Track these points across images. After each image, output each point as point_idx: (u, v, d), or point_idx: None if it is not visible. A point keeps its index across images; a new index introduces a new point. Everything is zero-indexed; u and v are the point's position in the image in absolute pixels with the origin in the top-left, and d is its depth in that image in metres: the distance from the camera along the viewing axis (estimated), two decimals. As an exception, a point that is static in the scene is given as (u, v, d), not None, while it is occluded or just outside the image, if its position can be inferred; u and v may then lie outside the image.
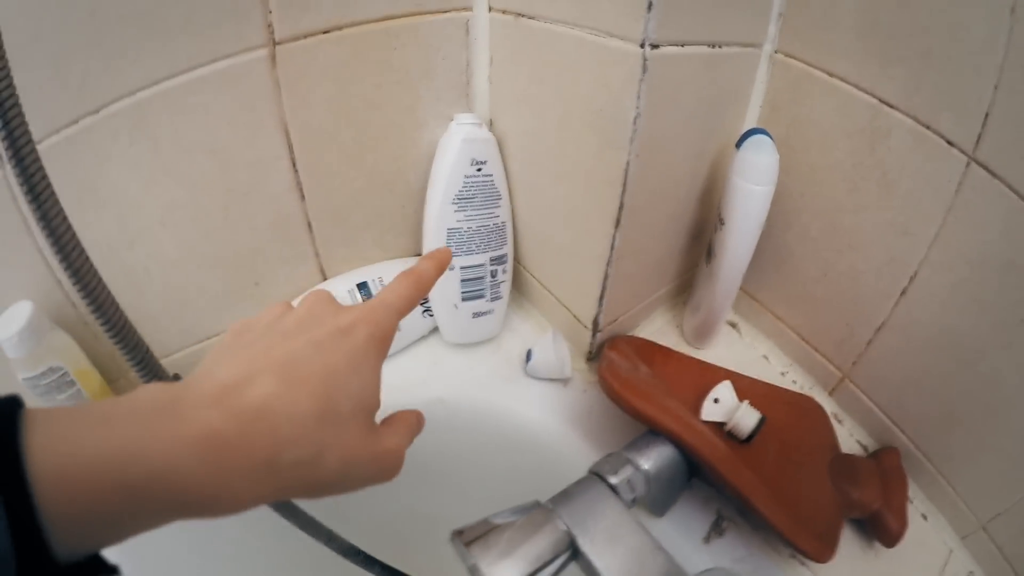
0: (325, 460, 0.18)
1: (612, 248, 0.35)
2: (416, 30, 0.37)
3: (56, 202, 0.21)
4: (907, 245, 0.38)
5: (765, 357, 0.46)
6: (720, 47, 0.35)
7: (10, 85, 0.20)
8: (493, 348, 0.41)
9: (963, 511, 0.42)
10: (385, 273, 0.39)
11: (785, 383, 0.45)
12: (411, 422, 0.23)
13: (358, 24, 0.35)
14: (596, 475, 0.31)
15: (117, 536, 0.14)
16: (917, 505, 0.43)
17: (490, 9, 0.38)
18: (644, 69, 0.30)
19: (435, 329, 0.41)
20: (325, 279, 0.41)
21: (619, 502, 0.30)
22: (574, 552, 0.28)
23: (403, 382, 0.39)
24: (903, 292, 0.39)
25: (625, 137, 0.32)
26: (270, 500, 0.17)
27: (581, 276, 0.37)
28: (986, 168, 0.32)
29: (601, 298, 0.37)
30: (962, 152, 0.33)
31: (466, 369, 0.40)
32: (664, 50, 0.30)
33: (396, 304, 0.22)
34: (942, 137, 0.34)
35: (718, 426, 0.38)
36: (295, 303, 0.22)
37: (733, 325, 0.48)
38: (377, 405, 0.20)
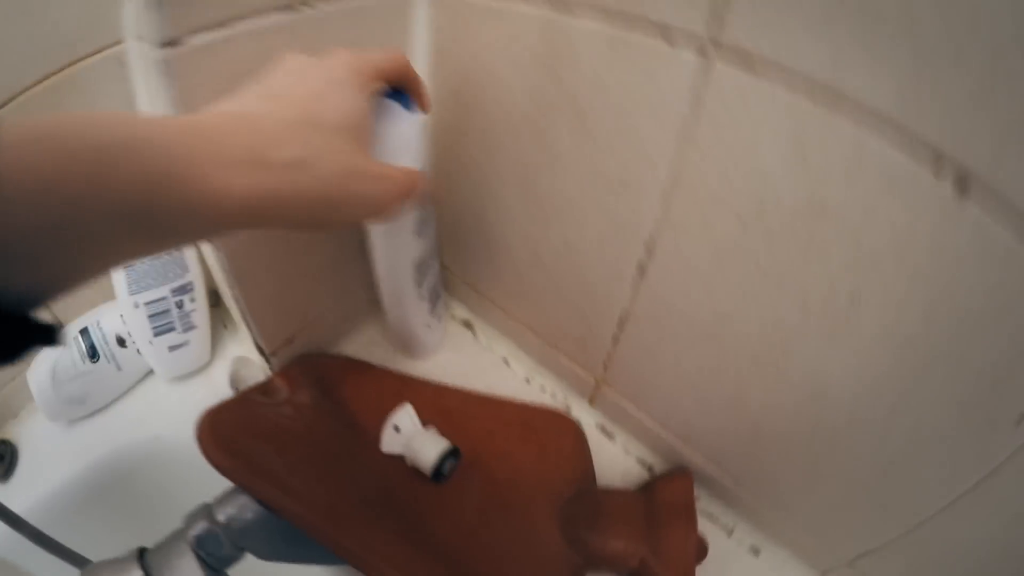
0: (319, 166, 0.18)
1: (225, 272, 0.31)
2: (74, 79, 0.37)
3: None
4: (630, 201, 0.28)
5: (505, 361, 0.37)
6: (312, 5, 0.29)
7: None
8: (205, 378, 0.40)
9: (810, 545, 0.30)
10: (103, 316, 0.40)
11: (532, 391, 0.36)
12: (413, 171, 0.23)
13: (27, 90, 0.37)
14: (182, 530, 0.28)
15: (76, 238, 0.13)
16: (740, 537, 0.32)
17: (139, 38, 0.36)
18: (165, 73, 0.26)
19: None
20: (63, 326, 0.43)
21: (196, 564, 0.27)
22: None
23: (127, 424, 0.40)
24: (640, 269, 0.29)
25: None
26: (268, 199, 0.17)
27: (230, 302, 0.34)
28: (737, 54, 0.21)
29: (246, 320, 0.33)
30: (692, 42, 0.22)
31: (179, 403, 0.39)
32: (192, 41, 0.26)
33: (375, 58, 0.22)
34: (655, 30, 0.23)
35: (401, 460, 0.32)
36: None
37: (467, 324, 0.39)
38: (366, 130, 0.21)
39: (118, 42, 0.36)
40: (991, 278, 0.18)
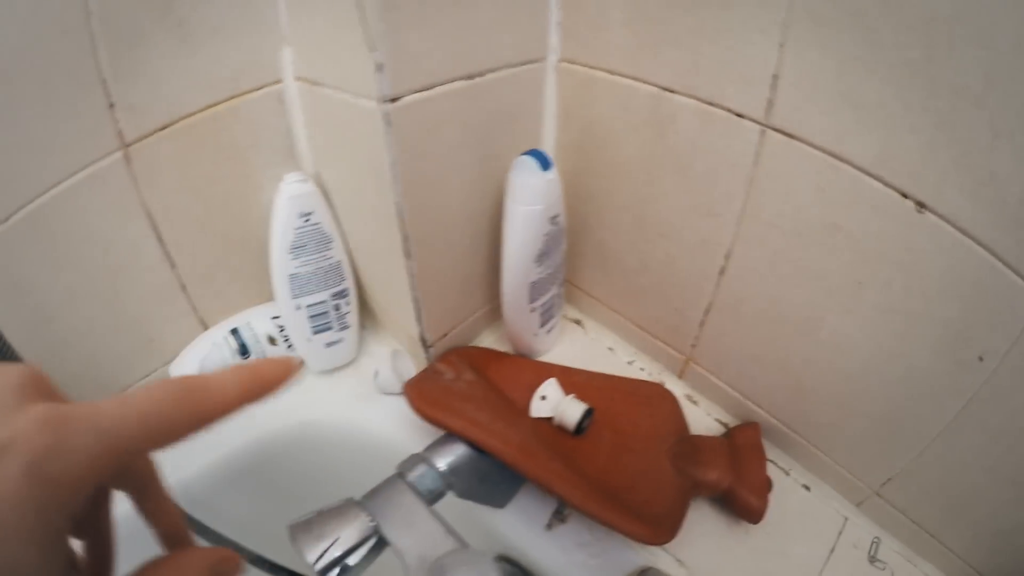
0: None
1: (411, 275, 0.40)
2: (237, 110, 0.45)
3: None
4: (715, 225, 0.41)
5: (611, 349, 0.49)
6: (483, 75, 0.40)
7: None
8: (352, 371, 0.48)
9: (849, 479, 0.43)
10: (252, 318, 0.47)
11: (633, 372, 0.48)
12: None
13: (188, 116, 0.44)
14: (398, 474, 0.36)
15: None
16: (796, 477, 0.45)
17: (297, 79, 0.45)
18: (388, 122, 0.35)
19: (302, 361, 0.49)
20: (206, 329, 0.49)
21: (415, 496, 0.35)
22: (380, 538, 0.34)
23: (278, 412, 0.47)
24: (721, 271, 0.42)
25: (388, 181, 0.37)
26: None
27: (400, 301, 0.43)
28: (783, 132, 0.33)
29: (419, 318, 0.42)
30: (754, 122, 0.34)
31: (329, 392, 0.47)
32: (407, 99, 0.36)
33: (93, 418, 0.14)
34: (729, 111, 0.35)
35: (548, 421, 0.42)
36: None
37: (578, 322, 0.52)
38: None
39: (278, 81, 0.44)
40: (944, 262, 0.29)
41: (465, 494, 0.38)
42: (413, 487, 0.36)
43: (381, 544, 0.34)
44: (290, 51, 0.44)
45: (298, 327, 0.45)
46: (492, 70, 0.40)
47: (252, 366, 0.18)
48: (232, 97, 0.44)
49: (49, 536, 0.13)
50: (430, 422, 0.37)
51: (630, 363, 0.49)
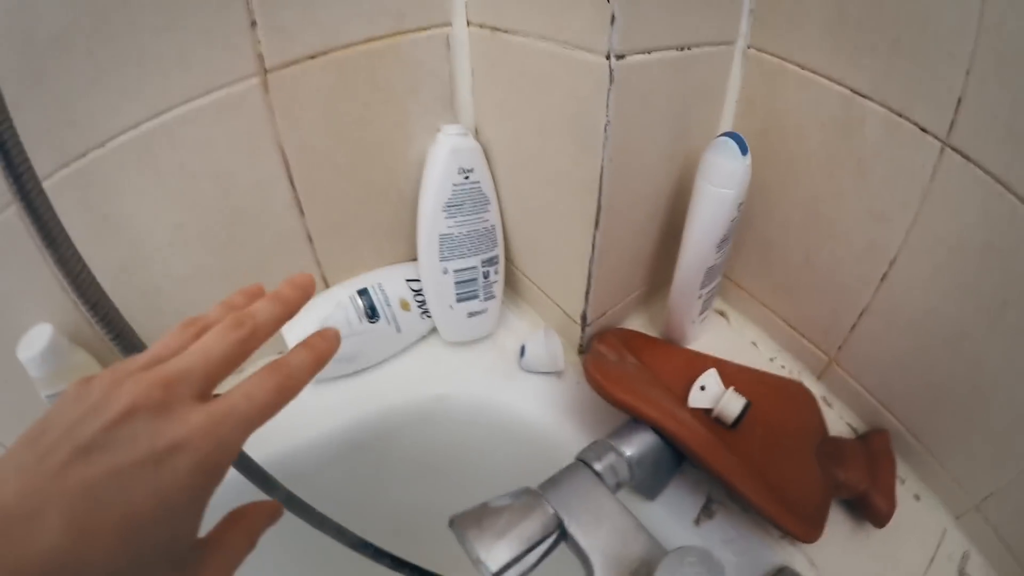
0: None
1: (594, 247, 0.38)
2: (398, 49, 0.41)
3: (63, 234, 0.25)
4: (885, 231, 0.41)
5: (754, 344, 0.50)
6: (690, 49, 0.38)
7: (11, 128, 0.23)
8: (489, 345, 0.46)
9: (955, 491, 0.45)
10: (384, 279, 0.44)
11: (774, 369, 0.48)
12: (245, 532, 0.21)
13: (342, 48, 0.39)
14: (582, 462, 0.34)
15: None
16: (909, 486, 0.47)
17: (468, 24, 0.41)
18: (611, 79, 0.34)
19: (434, 329, 0.45)
20: (328, 287, 0.45)
21: (603, 486, 0.34)
22: (562, 533, 0.32)
23: (405, 383, 0.44)
24: (883, 277, 0.42)
25: (598, 143, 0.35)
26: None
27: (567, 274, 0.41)
28: (960, 153, 0.35)
29: (587, 294, 0.41)
30: (936, 138, 0.36)
31: (464, 366, 0.44)
32: (630, 59, 0.34)
33: (249, 415, 0.18)
34: (915, 124, 0.37)
35: (705, 412, 0.42)
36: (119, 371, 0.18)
37: (722, 313, 0.52)
38: (193, 545, 0.18)
39: (446, 23, 0.41)
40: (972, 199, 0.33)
41: (642, 481, 0.37)
42: (601, 477, 0.34)
43: (561, 540, 0.32)
44: (465, -8, 0.41)
45: (441, 293, 0.42)
46: (697, 45, 0.39)
47: (311, 342, 0.21)
48: (395, 34, 0.40)
49: (201, 511, 0.18)
50: (621, 406, 0.35)
51: (772, 359, 0.49)
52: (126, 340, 0.27)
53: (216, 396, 0.19)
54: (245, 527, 0.20)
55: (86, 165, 0.35)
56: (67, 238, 0.25)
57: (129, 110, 0.35)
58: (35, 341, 0.36)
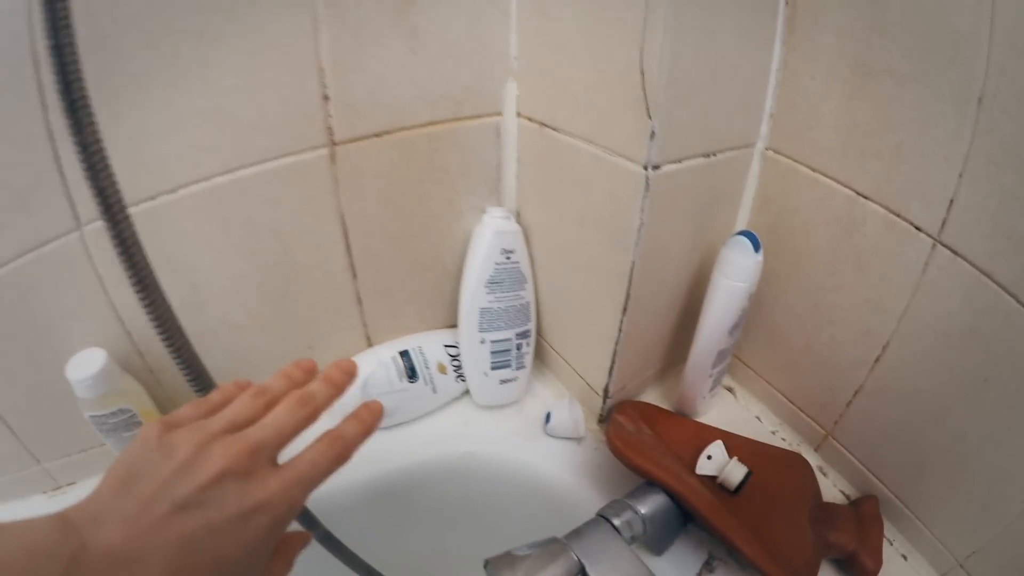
0: None
1: (620, 330, 0.42)
2: (454, 134, 0.45)
3: (144, 259, 0.26)
4: (880, 319, 0.46)
5: (758, 418, 0.54)
6: (715, 155, 0.43)
7: (101, 151, 0.25)
8: (517, 410, 0.49)
9: (940, 551, 0.49)
10: (424, 343, 0.47)
11: (775, 441, 0.53)
12: (286, 558, 0.24)
13: (405, 129, 0.43)
14: (603, 517, 0.38)
15: None
16: (897, 546, 0.51)
17: (518, 115, 0.45)
18: (647, 187, 0.38)
19: (467, 392, 0.49)
20: (371, 346, 0.48)
21: (620, 539, 0.38)
22: None
23: (437, 439, 0.47)
24: (877, 360, 0.47)
25: (631, 241, 0.39)
26: None
27: (593, 351, 0.45)
28: (950, 248, 0.39)
29: (611, 370, 0.45)
30: (928, 236, 0.40)
31: (493, 427, 0.48)
32: (665, 168, 0.38)
33: (313, 480, 0.22)
34: (911, 223, 0.41)
35: (711, 479, 0.46)
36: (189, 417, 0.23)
37: (730, 389, 0.56)
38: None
39: (498, 113, 0.45)
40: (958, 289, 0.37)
41: (651, 537, 0.41)
42: (619, 531, 0.38)
43: None
44: (514, 86, 0.45)
45: (478, 360, 0.46)
46: (721, 151, 0.43)
47: (360, 415, 0.25)
48: (453, 120, 0.44)
49: (269, 552, 0.21)
50: (638, 471, 0.39)
51: (773, 432, 0.53)
52: (194, 371, 0.29)
53: (284, 462, 0.22)
54: (286, 554, 0.24)
55: (155, 207, 0.37)
56: (147, 263, 0.26)
57: (203, 163, 0.37)
58: (87, 363, 0.37)
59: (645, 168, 0.37)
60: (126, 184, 0.35)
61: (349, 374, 0.27)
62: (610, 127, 0.39)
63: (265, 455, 0.21)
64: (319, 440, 0.23)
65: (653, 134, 0.36)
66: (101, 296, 0.38)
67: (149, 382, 0.44)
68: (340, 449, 0.23)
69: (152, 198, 0.37)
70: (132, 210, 0.36)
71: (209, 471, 0.20)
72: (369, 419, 0.25)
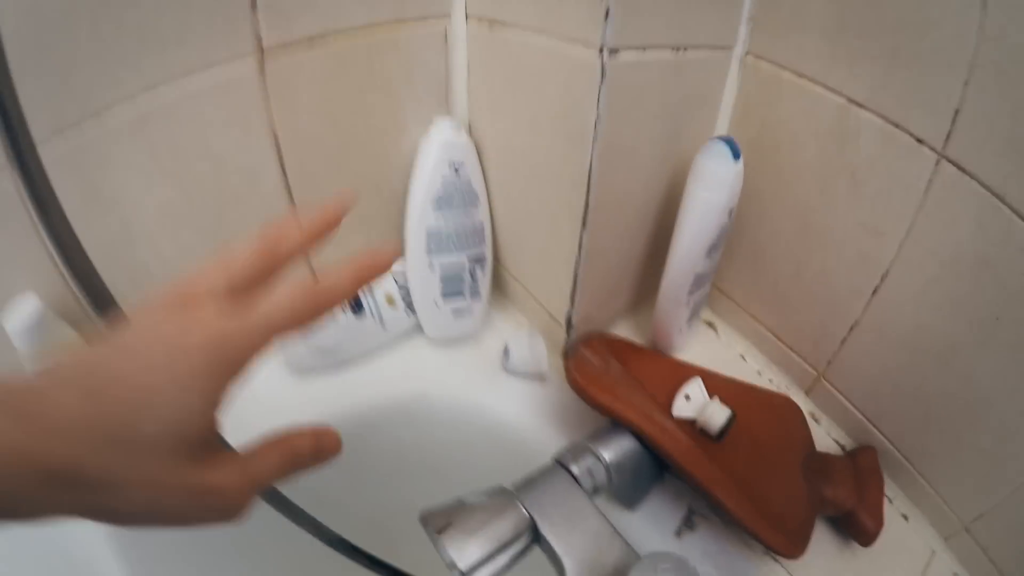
0: (123, 490, 0.16)
1: (580, 248, 0.37)
2: (397, 39, 0.40)
3: (56, 202, 0.24)
4: (878, 244, 0.40)
5: (742, 356, 0.48)
6: (686, 50, 0.38)
7: (12, 91, 0.23)
8: (473, 345, 0.44)
9: (945, 512, 0.43)
10: (369, 273, 0.42)
11: (762, 382, 0.47)
12: (282, 453, 0.21)
13: (341, 33, 0.39)
14: (559, 463, 0.33)
15: None
16: (897, 505, 0.45)
17: (467, 17, 0.41)
18: (603, 75, 0.33)
19: (419, 327, 0.44)
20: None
21: (580, 490, 0.32)
22: (535, 535, 0.30)
23: (386, 377, 0.42)
24: (875, 291, 0.41)
25: (588, 139, 0.34)
26: (57, 516, 0.16)
27: (554, 275, 0.40)
28: (956, 165, 0.34)
29: (573, 296, 0.40)
30: (932, 149, 0.35)
31: (447, 365, 0.43)
32: (623, 55, 0.33)
33: (276, 322, 0.19)
34: (911, 135, 0.36)
35: (689, 423, 0.40)
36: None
37: (710, 324, 0.50)
38: (204, 434, 0.18)
39: (445, 15, 0.40)
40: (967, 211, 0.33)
41: (620, 488, 0.35)
42: (578, 480, 0.32)
43: (533, 542, 0.31)
44: (464, -15, 0.40)
45: (427, 288, 0.41)
46: (693, 47, 0.38)
47: (357, 262, 0.22)
48: (394, 22, 0.40)
49: (216, 390, 0.18)
50: (600, 409, 0.34)
51: (759, 373, 0.48)
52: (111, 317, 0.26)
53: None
54: (283, 449, 0.20)
55: (80, 136, 0.34)
56: (59, 207, 0.24)
57: (126, 81, 0.34)
58: (22, 312, 0.34)
59: (601, 51, 0.32)
60: (53, 114, 0.31)
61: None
62: (562, 10, 0.34)
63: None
64: (292, 288, 0.20)
65: (608, 13, 0.31)
66: (35, 238, 0.34)
67: (88, 330, 0.40)
68: (314, 302, 0.20)
69: (77, 124, 0.33)
70: (58, 141, 0.32)
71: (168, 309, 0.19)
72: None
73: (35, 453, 0.15)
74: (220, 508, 0.19)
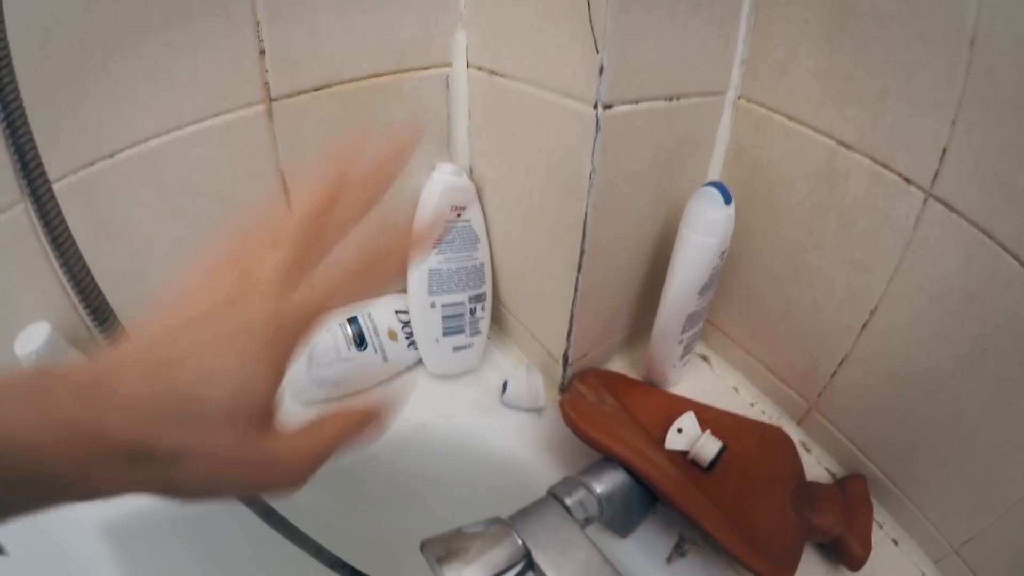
0: (195, 462, 0.17)
1: (576, 290, 0.39)
2: (400, 87, 0.42)
3: (69, 236, 0.25)
4: (866, 280, 0.41)
5: (735, 389, 0.49)
6: (678, 99, 0.39)
7: (27, 130, 0.24)
8: (473, 379, 0.46)
9: (934, 536, 0.44)
10: (373, 309, 0.44)
11: (754, 413, 0.48)
12: (340, 425, 0.21)
13: (346, 82, 0.40)
14: (553, 496, 0.34)
15: None
16: (887, 530, 0.46)
17: (468, 66, 0.42)
18: (597, 128, 0.34)
19: (420, 361, 0.46)
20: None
21: (572, 521, 0.34)
22: (529, 563, 0.32)
23: (388, 409, 0.44)
24: (864, 326, 0.42)
25: (583, 189, 0.36)
26: (132, 492, 0.17)
27: (551, 314, 0.42)
28: (944, 203, 0.35)
29: (569, 334, 0.41)
30: (919, 188, 0.36)
31: (447, 398, 0.44)
32: (617, 109, 0.34)
33: (333, 299, 0.20)
34: (899, 175, 0.37)
35: (681, 455, 0.41)
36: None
37: (704, 358, 0.52)
38: (266, 407, 0.19)
39: (447, 64, 0.42)
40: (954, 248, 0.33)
41: (612, 520, 0.37)
42: (570, 512, 0.34)
43: (527, 570, 0.32)
44: (464, 35, 0.42)
45: (428, 326, 0.43)
46: (686, 95, 0.40)
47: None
48: (397, 71, 0.41)
49: (279, 364, 0.19)
50: (592, 444, 0.35)
51: (752, 404, 0.49)
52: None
53: None
54: (339, 419, 0.21)
55: (93, 174, 0.35)
56: (72, 240, 0.25)
57: (139, 124, 0.35)
58: (33, 338, 0.35)
59: (595, 107, 0.34)
60: (66, 151, 0.33)
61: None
62: (558, 66, 0.35)
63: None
64: (346, 270, 0.21)
65: (602, 69, 0.32)
66: (47, 268, 0.36)
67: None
68: (366, 278, 0.22)
69: (91, 164, 0.35)
70: (71, 178, 0.35)
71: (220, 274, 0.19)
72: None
73: (108, 432, 0.15)
74: (284, 475, 0.19)
